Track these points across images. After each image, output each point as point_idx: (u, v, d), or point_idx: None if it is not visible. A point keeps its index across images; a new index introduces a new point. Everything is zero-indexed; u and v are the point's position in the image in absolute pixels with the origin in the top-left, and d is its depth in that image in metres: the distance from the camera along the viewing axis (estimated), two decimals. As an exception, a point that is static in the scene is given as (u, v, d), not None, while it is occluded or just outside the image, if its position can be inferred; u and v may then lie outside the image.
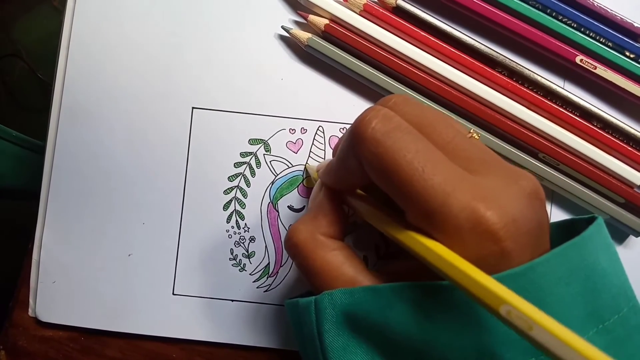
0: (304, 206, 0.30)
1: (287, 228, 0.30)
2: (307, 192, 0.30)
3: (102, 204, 0.30)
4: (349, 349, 0.19)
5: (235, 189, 0.30)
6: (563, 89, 0.29)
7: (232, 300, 0.29)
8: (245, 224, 0.30)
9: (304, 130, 0.30)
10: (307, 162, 0.30)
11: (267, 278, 0.29)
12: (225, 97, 0.30)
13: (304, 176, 0.30)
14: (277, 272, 0.29)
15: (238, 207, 0.30)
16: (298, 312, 0.21)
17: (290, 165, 0.30)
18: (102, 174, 0.30)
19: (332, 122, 0.30)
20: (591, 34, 0.28)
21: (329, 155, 0.30)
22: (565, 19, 0.29)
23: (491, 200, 0.16)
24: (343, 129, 0.30)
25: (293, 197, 0.30)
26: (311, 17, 0.29)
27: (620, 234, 0.29)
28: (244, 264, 0.29)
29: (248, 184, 0.30)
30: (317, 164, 0.30)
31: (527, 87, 0.29)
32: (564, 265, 0.17)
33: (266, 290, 0.29)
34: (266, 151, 0.30)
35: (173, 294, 0.29)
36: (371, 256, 0.29)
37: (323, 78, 0.30)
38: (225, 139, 0.30)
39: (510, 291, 0.14)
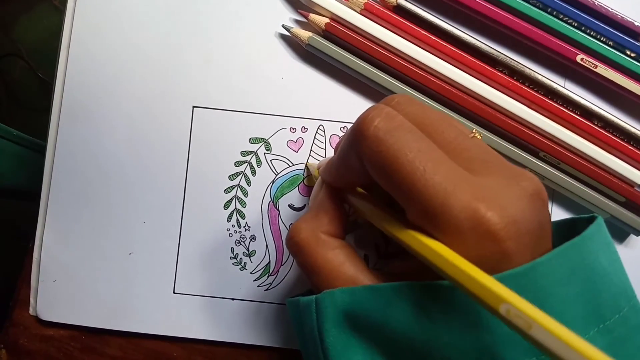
0: (305, 205, 0.30)
1: (287, 227, 0.30)
2: (307, 190, 0.30)
3: (103, 203, 0.30)
4: (350, 348, 0.19)
5: (235, 188, 0.30)
6: (564, 87, 0.29)
7: (233, 299, 0.29)
8: (246, 222, 0.30)
9: (304, 129, 0.30)
10: (307, 161, 0.30)
11: (268, 277, 0.29)
12: (226, 96, 0.30)
13: (305, 175, 0.30)
14: (278, 270, 0.30)
15: (239, 206, 0.30)
16: (299, 311, 0.21)
17: (290, 164, 0.30)
18: (102, 173, 0.30)
19: (333, 121, 0.30)
20: (592, 33, 0.28)
21: (330, 154, 0.30)
22: (566, 18, 0.28)
23: (492, 201, 0.16)
24: (344, 128, 0.30)
25: (294, 196, 0.30)
26: (312, 16, 0.29)
27: (620, 232, 0.29)
28: (245, 263, 0.29)
29: (249, 182, 0.30)
30: (317, 162, 0.30)
31: (528, 86, 0.29)
32: (565, 265, 0.17)
33: (267, 289, 0.29)
34: (267, 150, 0.30)
35: (174, 292, 0.29)
36: (372, 255, 0.29)
37: (324, 77, 0.30)
38: (225, 137, 0.30)
39: (510, 290, 0.14)
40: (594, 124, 0.28)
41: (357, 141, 0.18)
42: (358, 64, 0.29)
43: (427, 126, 0.18)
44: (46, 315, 0.30)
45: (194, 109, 0.30)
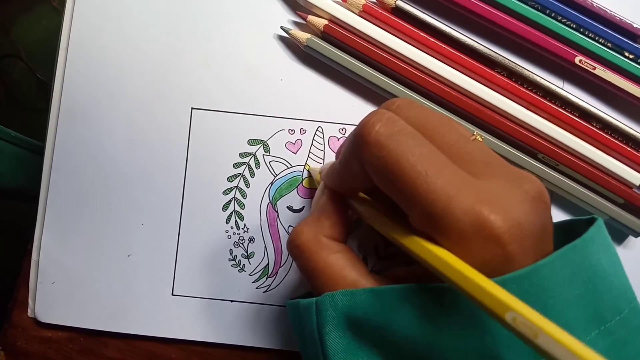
0: (304, 207, 0.30)
1: (286, 228, 0.30)
2: (306, 192, 0.30)
3: (102, 205, 0.30)
4: (350, 350, 0.18)
5: (234, 190, 0.30)
6: (562, 89, 0.29)
7: (232, 301, 0.29)
8: (245, 224, 0.30)
9: (303, 131, 0.30)
10: (306, 164, 0.30)
11: (267, 279, 0.29)
12: (225, 98, 0.30)
13: (304, 177, 0.30)
14: (277, 272, 0.29)
15: (237, 208, 0.30)
16: (299, 313, 0.21)
17: (289, 166, 0.30)
18: (101, 174, 0.30)
19: (331, 122, 0.30)
20: (590, 35, 0.28)
21: (328, 156, 0.30)
22: (565, 20, 0.29)
23: (495, 204, 0.16)
24: (342, 130, 0.30)
25: (292, 198, 0.30)
26: (310, 17, 0.29)
27: (619, 234, 0.29)
28: (244, 265, 0.29)
29: (247, 184, 0.30)
30: (316, 164, 0.30)
31: (527, 88, 0.29)
32: (566, 268, 0.17)
33: (265, 291, 0.29)
34: (265, 152, 0.30)
35: (172, 294, 0.29)
36: (371, 257, 0.29)
37: (322, 78, 0.30)
38: (224, 139, 0.30)
39: (516, 298, 0.14)
40: (592, 125, 0.28)
41: (359, 147, 0.18)
42: (356, 65, 0.29)
43: (428, 130, 0.18)
44: (44, 317, 0.30)
45: (193, 110, 0.30)
